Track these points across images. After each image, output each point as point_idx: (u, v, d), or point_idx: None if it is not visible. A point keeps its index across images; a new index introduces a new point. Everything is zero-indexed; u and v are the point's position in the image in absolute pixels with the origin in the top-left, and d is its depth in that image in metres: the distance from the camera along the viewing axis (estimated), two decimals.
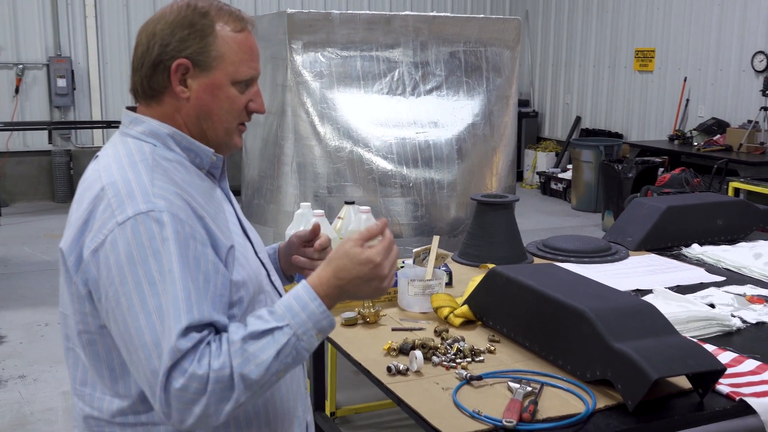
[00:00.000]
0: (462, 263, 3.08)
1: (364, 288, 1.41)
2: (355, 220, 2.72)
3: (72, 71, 9.41)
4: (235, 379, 1.26)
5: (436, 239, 2.67)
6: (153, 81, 1.42)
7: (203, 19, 1.41)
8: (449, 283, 2.80)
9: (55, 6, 9.34)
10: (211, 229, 1.36)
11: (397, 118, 3.94)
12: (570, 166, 9.82)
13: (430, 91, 4.05)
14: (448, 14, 4.21)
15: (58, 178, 9.49)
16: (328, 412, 3.68)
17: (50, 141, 9.06)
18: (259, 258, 1.54)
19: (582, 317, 1.97)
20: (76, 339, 1.38)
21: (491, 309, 2.35)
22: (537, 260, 3.15)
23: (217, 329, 1.31)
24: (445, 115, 4.04)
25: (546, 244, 3.31)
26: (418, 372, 2.03)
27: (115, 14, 9.67)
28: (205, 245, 1.33)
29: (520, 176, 11.23)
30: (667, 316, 2.27)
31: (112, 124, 9.40)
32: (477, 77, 4.13)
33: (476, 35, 4.14)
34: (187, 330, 1.25)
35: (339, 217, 2.86)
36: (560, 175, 10.02)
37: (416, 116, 3.98)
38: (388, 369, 2.04)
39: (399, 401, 1.91)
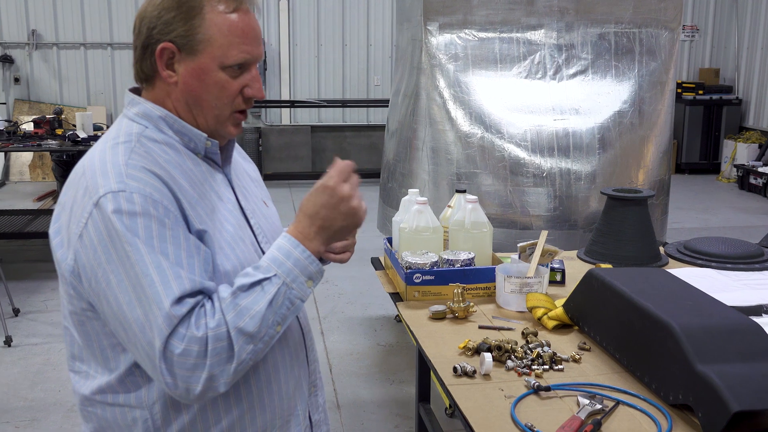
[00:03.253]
0: (586, 261, 2.88)
1: (336, 216, 1.37)
2: (462, 209, 2.61)
3: (264, 52, 9.87)
4: (233, 334, 1.26)
5: (544, 234, 2.51)
6: (144, 65, 1.41)
7: (192, 0, 1.36)
8: (561, 282, 2.62)
9: None
10: (185, 211, 1.33)
11: (533, 104, 3.73)
12: None
13: (573, 76, 3.79)
14: None
15: (247, 153, 10.01)
16: (447, 404, 3.60)
17: None
18: (261, 249, 1.49)
19: (669, 332, 1.75)
20: (69, 318, 1.41)
21: (586, 314, 2.16)
22: (673, 263, 2.88)
23: (210, 295, 1.31)
24: (588, 101, 3.76)
25: (688, 246, 3.01)
26: (486, 375, 1.91)
27: None
28: (181, 224, 1.31)
29: (716, 169, 10.40)
30: None
31: (296, 104, 9.80)
32: (628, 61, 3.81)
33: (630, 15, 3.81)
34: (181, 298, 1.25)
35: (449, 206, 2.76)
36: (761, 169, 9.15)
37: (556, 102, 3.74)
38: (454, 369, 1.93)
39: (455, 404, 1.80)
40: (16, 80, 9.66)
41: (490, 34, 3.78)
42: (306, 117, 10.31)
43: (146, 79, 1.43)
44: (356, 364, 4.26)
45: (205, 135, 1.43)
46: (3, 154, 9.22)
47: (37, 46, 9.61)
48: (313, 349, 1.62)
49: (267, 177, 9.91)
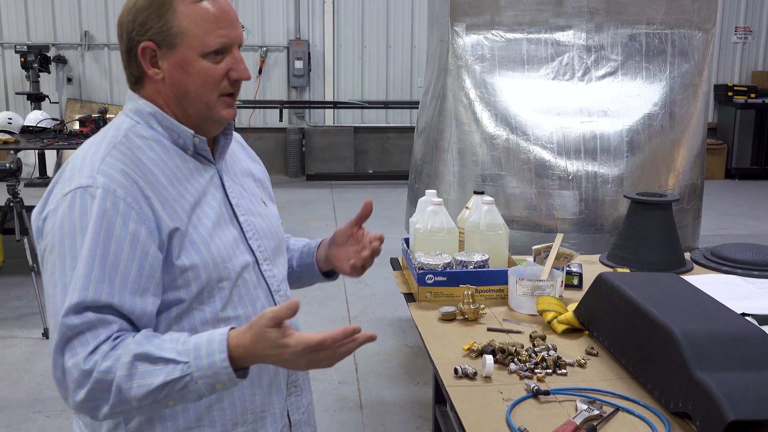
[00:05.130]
0: (608, 265, 2.84)
1: (273, 353, 1.29)
2: (477, 211, 2.60)
3: (309, 54, 9.98)
4: (114, 387, 1.26)
5: (559, 237, 2.47)
6: (131, 68, 1.45)
7: None
8: (579, 286, 2.58)
9: None
10: (155, 210, 1.35)
11: (560, 106, 3.68)
12: None
13: (602, 77, 3.73)
14: None
15: (291, 153, 10.14)
16: None
17: (280, 119, 9.68)
18: (249, 245, 1.51)
19: (670, 338, 1.72)
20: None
21: (596, 318, 2.13)
22: (699, 269, 2.82)
23: (131, 320, 1.32)
24: (617, 103, 3.70)
25: (714, 252, 2.95)
26: (487, 378, 1.89)
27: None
28: (140, 225, 1.33)
29: None
30: None
31: (339, 105, 9.85)
32: (659, 62, 3.74)
33: (662, 16, 3.73)
34: (81, 308, 1.27)
35: (467, 207, 2.75)
36: None
37: (583, 104, 3.69)
38: (455, 371, 1.92)
39: (451, 406, 1.79)
40: (69, 80, 9.92)
41: (518, 35, 3.75)
42: (349, 118, 10.36)
43: (136, 82, 1.47)
44: (382, 365, 4.26)
45: (192, 132, 1.46)
46: (55, 151, 9.46)
47: (89, 47, 9.85)
48: None
49: (309, 177, 9.99)
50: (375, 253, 1.71)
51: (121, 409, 1.28)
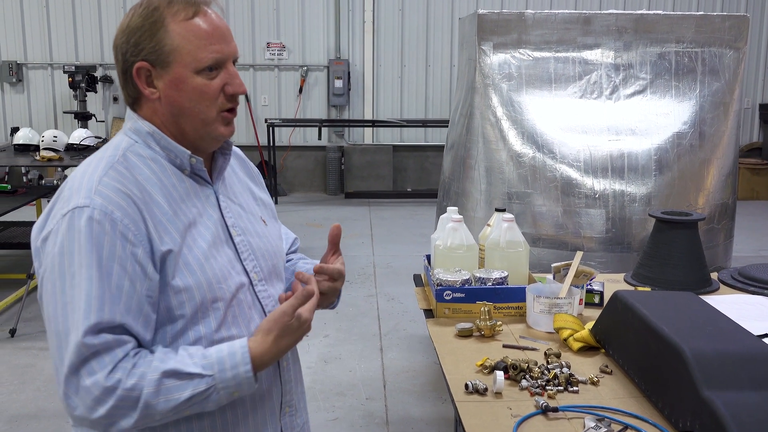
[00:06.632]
0: (632, 284, 2.82)
1: (294, 339, 1.47)
2: (498, 228, 2.61)
3: (348, 73, 10.09)
4: (141, 403, 1.29)
5: (578, 255, 2.47)
6: (128, 89, 1.46)
7: (152, 17, 1.40)
8: (600, 304, 2.57)
9: (338, 13, 10.07)
10: (150, 230, 1.36)
11: (587, 124, 3.67)
12: None
13: (630, 96, 3.71)
14: (660, 12, 3.81)
15: (330, 171, 10.23)
16: None
17: (320, 137, 9.78)
18: (243, 266, 1.51)
19: (679, 357, 1.71)
20: None
21: (611, 336, 2.12)
22: (725, 289, 2.78)
23: (137, 338, 1.34)
24: (645, 122, 3.67)
25: (742, 272, 2.91)
26: (498, 394, 1.90)
27: (390, 19, 10.18)
28: (137, 245, 1.34)
29: None
30: None
31: (378, 123, 9.92)
32: (689, 81, 3.70)
33: (692, 34, 3.71)
34: (98, 329, 1.29)
35: (488, 224, 2.76)
36: None
37: (611, 122, 3.67)
38: (466, 386, 1.93)
39: (459, 421, 1.80)
40: (115, 99, 10.15)
41: (545, 54, 3.75)
42: (388, 136, 10.43)
43: (134, 102, 1.48)
44: (410, 382, 4.26)
45: (189, 152, 1.47)
46: None
47: None
48: (288, 369, 1.63)
49: (348, 195, 10.06)
50: (327, 289, 1.64)
51: (144, 423, 1.33)
